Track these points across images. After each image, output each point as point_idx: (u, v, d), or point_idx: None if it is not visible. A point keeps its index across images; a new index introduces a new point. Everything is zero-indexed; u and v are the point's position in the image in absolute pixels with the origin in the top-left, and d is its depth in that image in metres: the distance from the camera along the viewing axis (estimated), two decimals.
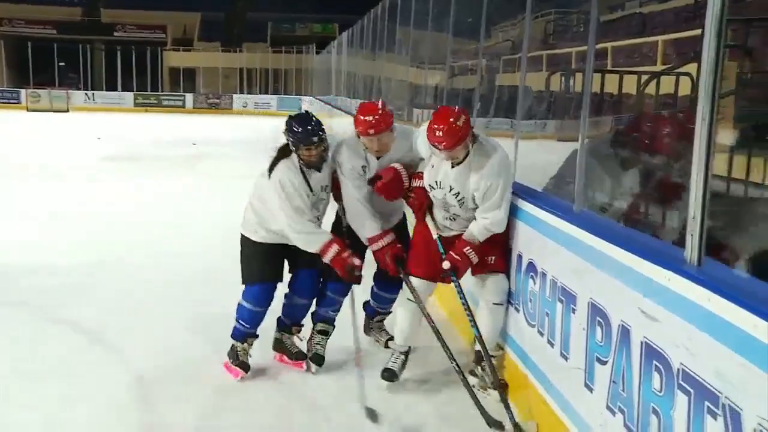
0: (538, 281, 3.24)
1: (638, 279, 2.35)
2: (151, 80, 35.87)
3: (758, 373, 1.75)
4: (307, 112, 3.78)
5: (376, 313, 4.28)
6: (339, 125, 12.21)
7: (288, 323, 3.97)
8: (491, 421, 3.24)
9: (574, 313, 2.82)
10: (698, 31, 2.14)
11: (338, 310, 3.98)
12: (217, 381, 3.75)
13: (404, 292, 3.72)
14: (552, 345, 3.08)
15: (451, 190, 3.49)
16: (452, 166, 3.44)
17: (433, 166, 3.55)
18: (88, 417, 3.38)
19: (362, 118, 3.63)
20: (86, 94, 33.20)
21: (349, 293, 3.89)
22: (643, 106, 3.25)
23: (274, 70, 36.60)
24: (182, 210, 8.60)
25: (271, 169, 3.65)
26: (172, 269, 5.79)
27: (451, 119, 3.32)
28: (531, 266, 3.35)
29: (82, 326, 4.47)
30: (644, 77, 3.30)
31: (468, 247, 3.49)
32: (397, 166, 3.67)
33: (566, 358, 2.93)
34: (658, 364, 2.23)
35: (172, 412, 3.43)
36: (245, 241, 3.82)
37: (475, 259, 3.50)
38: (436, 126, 3.32)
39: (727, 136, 2.71)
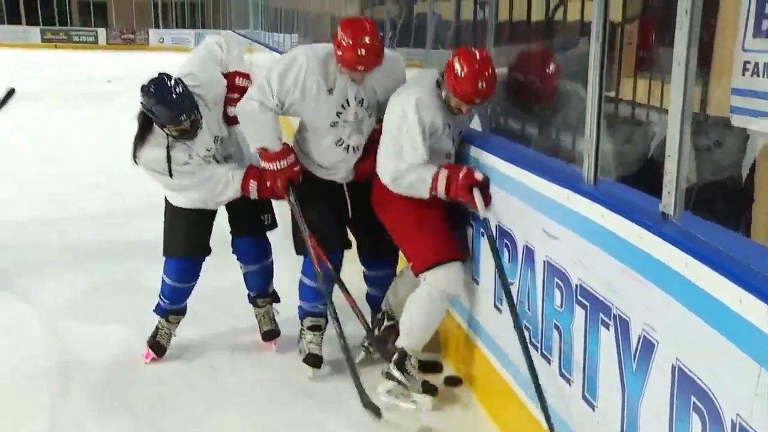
0: None
1: (541, 200, 2.43)
2: (59, 14, 33.53)
3: (642, 281, 1.86)
4: (162, 76, 3.00)
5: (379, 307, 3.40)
6: (260, 60, 11.93)
7: (251, 294, 3.55)
8: (367, 403, 2.92)
9: (483, 237, 2.91)
10: None
11: (327, 302, 3.14)
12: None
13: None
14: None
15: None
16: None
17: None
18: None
19: (351, 47, 2.85)
20: None
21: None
22: (552, 33, 3.29)
23: (191, 3, 35.22)
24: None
25: (134, 152, 3.10)
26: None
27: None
28: None
29: None
30: (553, 3, 3.33)
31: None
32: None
33: (477, 282, 3.03)
34: (558, 281, 2.34)
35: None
36: (166, 204, 3.34)
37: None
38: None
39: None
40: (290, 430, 2.92)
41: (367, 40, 2.86)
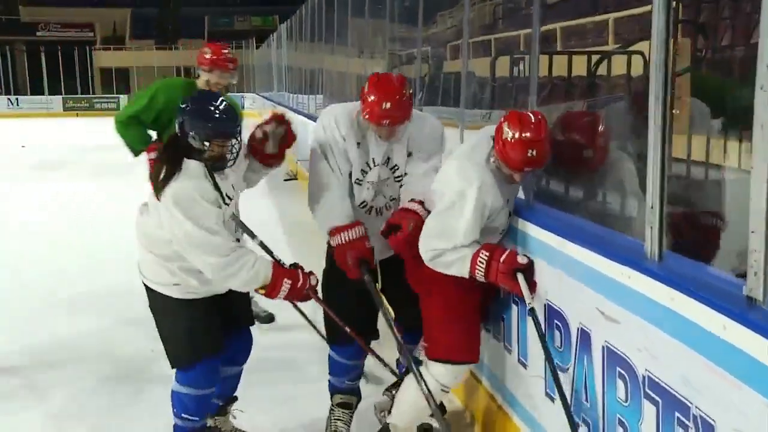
0: None
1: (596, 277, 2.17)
2: (81, 82, 34.15)
3: (728, 378, 1.58)
4: (210, 90, 2.84)
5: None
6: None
7: (220, 403, 2.97)
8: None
9: (528, 316, 2.63)
10: (649, 7, 1.97)
11: (359, 376, 3.07)
12: None
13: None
14: (509, 351, 2.89)
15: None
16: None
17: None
18: None
19: (377, 101, 2.70)
20: (9, 99, 31.40)
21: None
22: (595, 88, 3.07)
23: None
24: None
25: (162, 185, 2.52)
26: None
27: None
28: None
29: None
30: (594, 58, 3.13)
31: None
32: (417, 208, 2.77)
33: (525, 366, 2.75)
34: (621, 370, 2.06)
35: None
36: (160, 301, 2.68)
37: None
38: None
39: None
40: None
41: (393, 93, 2.72)
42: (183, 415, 2.75)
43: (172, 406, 2.76)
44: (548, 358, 2.38)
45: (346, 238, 2.76)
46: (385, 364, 3.01)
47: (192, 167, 2.55)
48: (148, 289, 2.71)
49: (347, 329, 2.81)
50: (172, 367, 2.74)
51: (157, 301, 2.70)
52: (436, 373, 2.73)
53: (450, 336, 2.69)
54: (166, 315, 2.70)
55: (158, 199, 2.53)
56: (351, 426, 3.10)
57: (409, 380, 2.80)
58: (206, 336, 2.70)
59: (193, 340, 2.69)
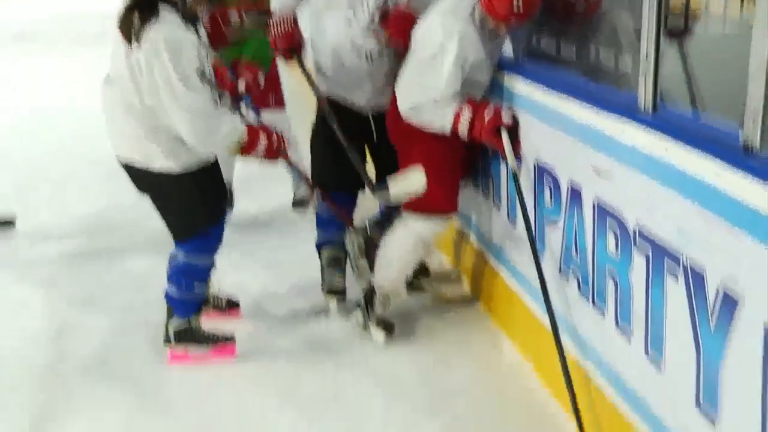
0: None
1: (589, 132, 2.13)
2: None
3: (724, 225, 1.58)
4: None
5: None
6: None
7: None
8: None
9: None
10: None
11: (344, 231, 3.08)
12: None
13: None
14: (498, 209, 2.89)
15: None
16: None
17: None
18: None
19: None
20: None
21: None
22: None
23: None
24: None
25: (139, 30, 2.34)
26: None
27: None
28: None
29: None
30: None
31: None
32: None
33: (513, 224, 2.76)
34: (612, 224, 2.06)
35: None
36: (158, 179, 2.54)
37: None
38: None
39: None
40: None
41: None
42: (195, 285, 2.74)
43: (176, 284, 2.73)
44: (528, 227, 2.41)
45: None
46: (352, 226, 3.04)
47: (169, 15, 2.39)
48: (139, 171, 2.56)
49: (316, 188, 2.96)
50: (184, 240, 2.67)
51: (153, 180, 2.56)
52: (415, 225, 2.76)
53: (429, 189, 2.66)
54: (170, 190, 2.59)
55: (138, 44, 2.34)
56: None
57: (387, 239, 2.85)
58: (206, 206, 2.67)
59: (187, 214, 2.65)
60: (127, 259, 3.72)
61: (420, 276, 3.24)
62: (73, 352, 2.93)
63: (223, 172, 2.78)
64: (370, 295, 2.92)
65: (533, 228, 2.46)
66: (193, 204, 2.63)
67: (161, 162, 2.51)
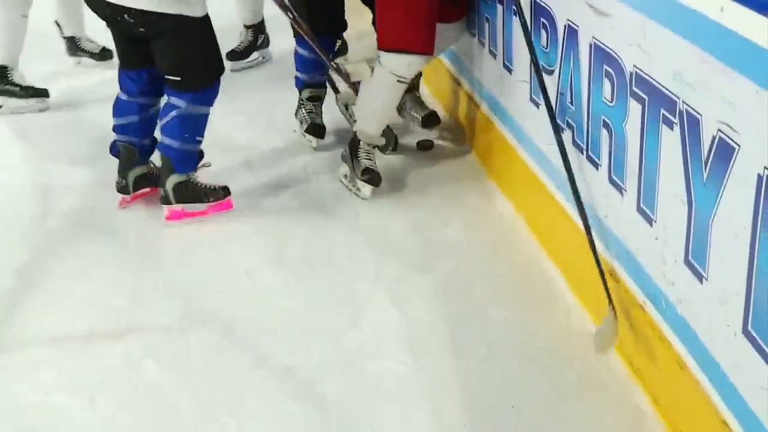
0: None
1: None
2: None
3: (722, 69, 1.42)
4: None
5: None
6: None
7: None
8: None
9: (515, 16, 2.42)
10: None
11: (326, 70, 3.11)
12: None
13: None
14: (494, 56, 2.71)
15: None
16: None
17: None
18: None
19: None
20: None
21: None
22: None
23: None
24: None
25: None
26: None
27: None
28: None
29: None
30: None
31: None
32: None
33: (510, 71, 2.58)
34: (608, 69, 1.89)
35: None
36: (179, 25, 2.50)
37: None
38: None
39: None
40: None
41: None
42: (197, 137, 2.71)
43: (178, 137, 2.66)
44: (533, 59, 2.21)
45: None
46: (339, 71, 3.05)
47: None
48: (153, 14, 2.47)
49: (304, 29, 2.92)
50: (197, 89, 2.62)
51: (174, 23, 2.49)
52: (386, 64, 2.68)
53: (401, 24, 2.61)
54: (193, 34, 2.55)
55: None
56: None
57: (364, 85, 2.84)
58: (218, 50, 2.72)
59: (209, 56, 2.67)
60: None
61: (429, 125, 3.12)
62: (59, 209, 2.90)
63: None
64: (354, 146, 2.82)
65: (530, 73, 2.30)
66: (212, 49, 2.66)
67: (180, 7, 2.48)
